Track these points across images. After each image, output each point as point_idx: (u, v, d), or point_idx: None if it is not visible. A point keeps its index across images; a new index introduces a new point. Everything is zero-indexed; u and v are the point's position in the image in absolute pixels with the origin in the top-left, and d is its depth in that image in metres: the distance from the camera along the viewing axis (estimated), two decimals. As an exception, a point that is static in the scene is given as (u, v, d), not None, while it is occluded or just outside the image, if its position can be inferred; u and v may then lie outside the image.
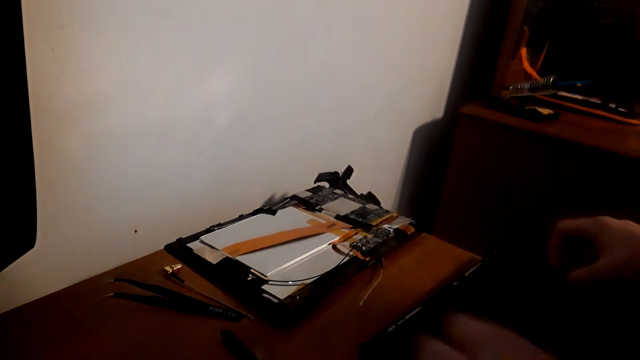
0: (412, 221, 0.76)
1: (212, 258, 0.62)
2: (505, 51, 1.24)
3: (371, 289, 0.62)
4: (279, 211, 0.75)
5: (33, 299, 0.55)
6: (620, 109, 1.23)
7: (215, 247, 0.64)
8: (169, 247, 0.65)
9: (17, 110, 0.42)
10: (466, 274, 0.63)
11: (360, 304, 0.59)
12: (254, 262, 0.61)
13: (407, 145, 1.31)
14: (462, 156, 1.27)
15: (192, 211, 0.74)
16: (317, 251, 0.65)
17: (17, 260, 0.46)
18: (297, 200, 0.80)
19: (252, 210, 0.76)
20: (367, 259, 0.64)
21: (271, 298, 0.55)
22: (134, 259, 0.64)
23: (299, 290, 0.57)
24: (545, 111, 1.18)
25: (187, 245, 0.64)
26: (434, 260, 0.70)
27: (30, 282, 0.58)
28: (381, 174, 1.26)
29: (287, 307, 0.53)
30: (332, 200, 0.82)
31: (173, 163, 0.70)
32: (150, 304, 0.55)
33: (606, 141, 1.09)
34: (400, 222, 0.75)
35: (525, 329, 0.40)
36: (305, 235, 0.68)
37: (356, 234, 0.70)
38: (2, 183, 0.42)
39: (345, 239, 0.69)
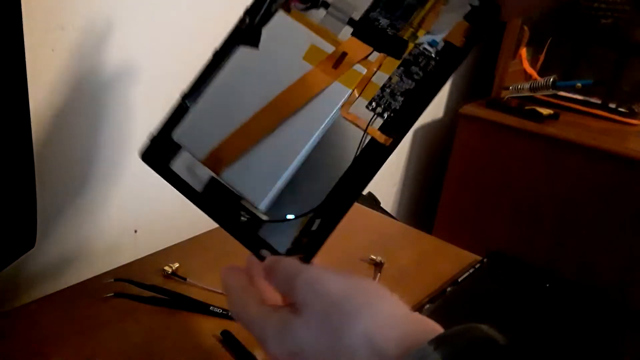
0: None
1: (195, 181, 0.44)
2: (505, 51, 1.23)
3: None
4: (265, 31, 0.42)
5: (33, 299, 0.55)
6: (620, 109, 1.23)
7: (195, 155, 0.42)
8: (146, 157, 0.45)
9: (17, 110, 0.42)
10: (460, 280, 0.63)
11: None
12: (243, 177, 0.42)
13: (407, 145, 1.31)
14: (462, 156, 1.27)
15: (193, 211, 0.74)
16: (319, 138, 0.40)
17: (17, 260, 0.46)
18: None
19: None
20: (387, 140, 0.39)
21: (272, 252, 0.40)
22: (134, 259, 0.64)
23: (304, 228, 0.39)
24: (545, 111, 1.18)
25: (165, 154, 0.44)
26: (434, 261, 0.70)
27: (30, 282, 0.58)
28: (381, 174, 1.26)
29: None
30: None
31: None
32: (150, 304, 0.55)
33: (606, 141, 1.09)
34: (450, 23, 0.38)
35: (517, 333, 0.40)
36: (303, 101, 0.40)
37: (379, 68, 0.39)
38: (2, 183, 0.42)
39: (360, 90, 0.39)
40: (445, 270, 0.67)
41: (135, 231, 0.68)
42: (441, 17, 0.37)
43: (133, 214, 0.67)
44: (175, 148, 0.42)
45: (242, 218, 0.41)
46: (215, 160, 0.42)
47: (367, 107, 0.38)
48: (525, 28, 1.26)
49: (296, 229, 0.38)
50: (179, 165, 0.42)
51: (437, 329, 0.29)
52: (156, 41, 0.62)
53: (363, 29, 0.38)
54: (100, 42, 0.57)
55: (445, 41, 0.37)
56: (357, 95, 0.39)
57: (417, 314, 0.30)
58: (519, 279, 0.65)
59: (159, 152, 0.43)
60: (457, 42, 0.36)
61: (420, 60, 0.37)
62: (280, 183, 0.40)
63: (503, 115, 1.19)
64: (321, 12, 0.40)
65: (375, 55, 0.38)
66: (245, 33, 0.42)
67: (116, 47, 0.59)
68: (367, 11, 0.39)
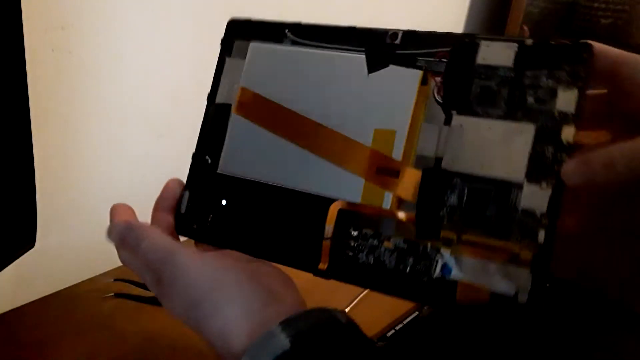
0: None
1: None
2: (505, 51, 1.23)
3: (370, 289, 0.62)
4: (385, 71, 0.35)
5: (33, 299, 0.55)
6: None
7: (258, 176, 0.38)
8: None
9: (17, 110, 0.42)
10: None
11: (350, 307, 0.59)
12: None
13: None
14: (462, 156, 1.27)
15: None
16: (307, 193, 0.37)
17: (17, 260, 0.46)
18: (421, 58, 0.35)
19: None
20: (324, 265, 0.36)
21: None
22: (134, 259, 0.64)
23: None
24: (545, 111, 1.18)
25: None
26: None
27: (30, 282, 0.58)
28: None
29: None
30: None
31: (173, 163, 0.70)
32: (150, 303, 0.55)
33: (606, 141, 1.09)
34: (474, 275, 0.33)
35: (515, 334, 0.40)
36: (334, 158, 0.36)
37: (396, 219, 0.33)
38: (2, 183, 0.42)
39: (365, 209, 0.35)
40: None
41: (135, 231, 0.68)
42: (481, 262, 0.31)
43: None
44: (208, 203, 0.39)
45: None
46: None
47: (350, 228, 0.34)
48: (525, 28, 1.26)
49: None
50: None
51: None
52: (157, 41, 0.62)
53: (431, 180, 0.32)
54: (100, 42, 0.57)
55: (451, 282, 0.31)
56: (357, 209, 0.34)
57: (277, 305, 0.32)
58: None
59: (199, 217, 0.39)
60: (460, 294, 0.31)
61: (422, 261, 0.32)
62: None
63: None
64: (439, 119, 0.33)
65: (409, 208, 0.33)
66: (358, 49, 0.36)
67: (116, 47, 0.59)
68: (449, 175, 0.32)
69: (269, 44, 0.39)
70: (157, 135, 0.66)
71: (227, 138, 0.39)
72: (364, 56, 0.35)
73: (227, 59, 0.40)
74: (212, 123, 0.40)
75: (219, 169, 0.39)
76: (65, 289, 0.57)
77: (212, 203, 0.39)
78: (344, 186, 0.35)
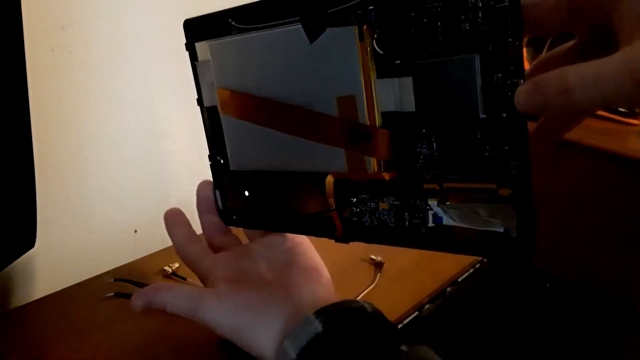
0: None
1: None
2: (505, 51, 1.23)
3: (370, 289, 0.62)
4: (324, 36, 0.33)
5: (33, 299, 0.55)
6: (620, 109, 1.23)
7: (266, 166, 0.41)
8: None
9: (17, 110, 0.42)
10: (460, 280, 0.63)
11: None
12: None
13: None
14: (462, 156, 1.27)
15: (192, 211, 0.74)
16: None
17: (17, 260, 0.46)
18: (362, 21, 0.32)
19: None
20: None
21: None
22: (134, 259, 0.64)
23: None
24: (545, 111, 1.18)
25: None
26: (434, 261, 0.70)
27: (30, 282, 0.58)
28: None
29: None
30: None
31: (173, 163, 0.70)
32: (150, 304, 0.55)
33: (606, 141, 1.09)
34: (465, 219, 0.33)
35: (515, 334, 0.41)
36: (307, 135, 0.37)
37: (383, 179, 0.35)
38: (2, 183, 0.42)
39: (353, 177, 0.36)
40: (445, 270, 0.67)
41: (135, 231, 0.68)
42: (466, 207, 0.31)
43: (133, 214, 0.67)
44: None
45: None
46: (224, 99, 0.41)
47: (348, 196, 0.37)
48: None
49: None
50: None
51: None
52: (157, 41, 0.62)
53: (398, 137, 0.32)
54: (100, 42, 0.57)
55: (446, 227, 0.32)
56: (348, 177, 0.35)
57: (300, 309, 0.37)
58: (519, 279, 0.65)
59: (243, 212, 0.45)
60: (458, 235, 0.32)
61: (415, 214, 0.33)
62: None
63: (503, 115, 1.19)
64: (388, 71, 0.31)
65: (390, 167, 0.34)
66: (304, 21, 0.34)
67: (116, 47, 0.59)
68: (413, 127, 0.32)
69: (222, 39, 0.39)
70: (158, 135, 0.66)
71: (225, 138, 0.42)
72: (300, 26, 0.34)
73: (196, 63, 0.41)
74: (210, 126, 0.43)
75: (231, 167, 0.43)
76: (65, 289, 0.57)
77: (239, 196, 0.44)
78: (329, 160, 0.36)
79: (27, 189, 0.46)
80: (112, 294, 0.55)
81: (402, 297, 0.60)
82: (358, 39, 0.32)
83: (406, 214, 0.34)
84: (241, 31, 0.37)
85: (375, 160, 0.34)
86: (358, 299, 0.61)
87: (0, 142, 0.41)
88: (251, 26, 0.36)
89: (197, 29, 0.40)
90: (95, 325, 0.52)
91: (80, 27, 0.54)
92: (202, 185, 0.46)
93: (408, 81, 0.30)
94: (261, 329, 0.36)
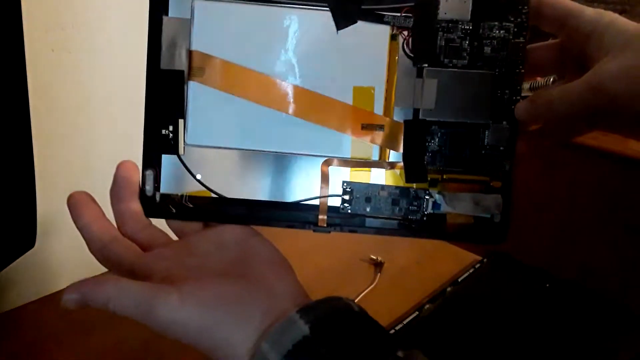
0: None
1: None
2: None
3: (370, 289, 0.62)
4: (352, 27, 0.35)
5: (33, 299, 0.55)
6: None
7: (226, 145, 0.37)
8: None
9: (17, 110, 0.42)
10: (460, 280, 0.63)
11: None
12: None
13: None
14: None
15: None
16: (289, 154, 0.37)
17: (17, 260, 0.46)
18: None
19: None
20: (322, 221, 0.37)
21: None
22: (134, 259, 0.64)
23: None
24: (545, 111, 1.18)
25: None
26: (434, 261, 0.70)
27: (30, 282, 0.58)
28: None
29: None
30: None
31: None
32: (150, 304, 0.55)
33: (606, 141, 1.10)
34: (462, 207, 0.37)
35: (515, 334, 0.41)
36: (317, 118, 0.36)
37: (386, 168, 0.37)
38: (3, 183, 0.42)
39: (355, 165, 0.37)
40: (445, 270, 0.67)
41: (135, 231, 0.68)
42: (463, 195, 0.36)
43: (133, 214, 0.67)
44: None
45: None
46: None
47: (343, 183, 0.36)
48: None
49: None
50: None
51: None
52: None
53: (413, 130, 0.36)
54: (100, 42, 0.57)
55: (439, 215, 0.36)
56: (349, 165, 0.36)
57: (275, 305, 0.32)
58: (519, 279, 0.65)
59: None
60: (450, 222, 0.37)
61: (414, 203, 0.37)
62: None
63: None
64: (411, 72, 0.35)
65: (396, 157, 0.36)
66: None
67: (116, 47, 0.59)
68: (428, 123, 0.36)
69: (217, 0, 0.35)
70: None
71: (189, 108, 0.36)
72: (329, 13, 0.35)
73: (165, 18, 0.36)
74: (162, 93, 0.37)
75: (187, 142, 0.36)
76: (65, 288, 0.57)
77: (184, 179, 0.36)
78: (332, 144, 0.36)
79: (27, 189, 0.46)
80: (112, 294, 0.55)
81: (402, 297, 0.60)
82: (390, 38, 0.35)
83: (404, 201, 0.36)
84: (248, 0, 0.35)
85: (382, 148, 0.36)
86: (358, 299, 0.61)
87: (0, 142, 0.41)
88: None
89: None
90: (95, 325, 0.52)
91: (80, 27, 0.54)
92: (126, 166, 0.38)
93: (433, 83, 0.35)
94: (232, 328, 0.30)
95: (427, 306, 0.58)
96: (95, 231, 0.36)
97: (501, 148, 0.35)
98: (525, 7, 0.34)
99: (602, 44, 0.31)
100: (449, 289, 0.62)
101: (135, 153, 0.67)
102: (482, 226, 0.36)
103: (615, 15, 0.33)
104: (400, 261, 0.69)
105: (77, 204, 0.36)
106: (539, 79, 0.39)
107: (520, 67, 0.35)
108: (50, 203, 0.57)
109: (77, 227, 0.36)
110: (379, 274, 0.65)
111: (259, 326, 0.30)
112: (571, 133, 0.39)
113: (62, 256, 0.61)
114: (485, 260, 0.68)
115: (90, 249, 0.36)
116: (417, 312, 0.57)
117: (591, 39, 0.32)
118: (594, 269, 1.10)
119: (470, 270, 0.65)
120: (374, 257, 0.67)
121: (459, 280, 0.63)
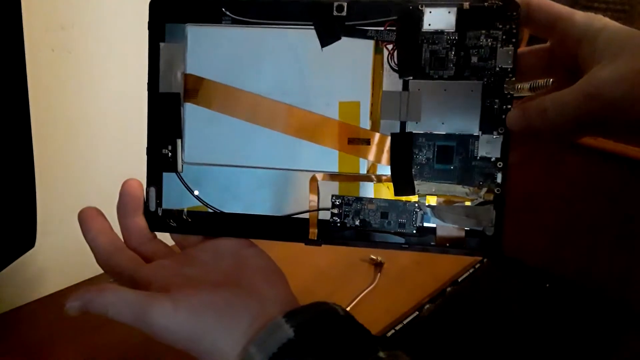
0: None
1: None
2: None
3: (370, 289, 0.62)
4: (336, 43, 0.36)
5: (33, 299, 0.55)
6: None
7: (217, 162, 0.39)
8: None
9: (17, 110, 0.42)
10: (460, 280, 0.63)
11: (350, 307, 0.59)
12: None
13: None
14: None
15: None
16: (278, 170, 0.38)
17: (17, 260, 0.46)
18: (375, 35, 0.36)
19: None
20: (313, 234, 0.37)
21: None
22: (134, 259, 0.64)
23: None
24: (545, 111, 1.18)
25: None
26: (434, 261, 0.70)
27: (30, 282, 0.58)
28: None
29: None
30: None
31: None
32: (150, 304, 0.55)
33: (606, 141, 1.09)
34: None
35: (515, 334, 0.41)
36: (302, 134, 0.37)
37: (374, 182, 0.37)
38: (3, 183, 0.42)
39: (343, 180, 0.37)
40: (445, 270, 0.67)
41: (135, 231, 0.68)
42: (454, 207, 0.35)
43: (133, 214, 0.67)
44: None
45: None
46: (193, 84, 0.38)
47: (332, 197, 0.37)
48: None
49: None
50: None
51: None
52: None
53: (400, 143, 0.36)
54: (100, 42, 0.57)
55: (429, 228, 0.36)
56: (337, 179, 0.37)
57: (265, 311, 0.32)
58: (519, 279, 0.65)
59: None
60: (440, 237, 0.36)
61: (404, 216, 0.36)
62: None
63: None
64: (397, 84, 0.35)
65: (384, 170, 0.36)
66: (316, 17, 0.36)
67: (116, 47, 0.59)
68: (414, 136, 0.35)
69: (207, 25, 0.38)
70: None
71: (185, 128, 0.38)
72: (313, 30, 0.36)
73: (162, 45, 0.39)
74: (161, 114, 0.40)
75: (184, 160, 0.39)
76: (65, 289, 0.57)
77: (184, 195, 0.39)
78: (320, 159, 0.37)
79: (27, 189, 0.46)
80: (112, 294, 0.55)
81: (402, 297, 0.60)
82: (374, 52, 0.35)
83: (394, 214, 0.36)
84: (236, 22, 0.37)
85: (369, 162, 0.36)
86: (358, 299, 0.61)
87: (0, 142, 0.41)
88: (249, 19, 0.37)
89: (171, 10, 0.39)
90: (95, 325, 0.52)
91: (80, 27, 0.54)
92: (131, 184, 0.40)
93: (419, 95, 0.35)
94: (222, 333, 0.31)
95: (427, 306, 0.58)
96: (101, 243, 0.38)
97: (492, 159, 0.34)
98: (515, 13, 0.33)
99: (595, 50, 0.30)
100: (449, 289, 0.62)
101: (135, 152, 0.67)
102: (474, 239, 0.35)
103: (606, 20, 0.31)
104: (400, 261, 0.69)
105: (87, 218, 0.40)
106: (539, 81, 0.39)
107: (511, 75, 0.34)
108: (50, 203, 0.57)
109: (86, 241, 0.39)
110: (379, 274, 0.65)
111: (247, 331, 0.31)
112: (565, 140, 0.38)
113: (62, 256, 0.61)
114: (485, 260, 0.68)
115: (97, 260, 0.38)
116: (417, 312, 0.57)
117: (583, 44, 0.31)
118: (594, 269, 1.10)
119: (470, 270, 0.66)
120: (374, 257, 0.67)
121: (459, 280, 0.63)
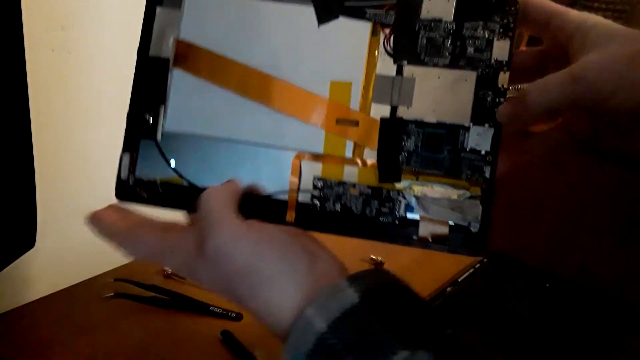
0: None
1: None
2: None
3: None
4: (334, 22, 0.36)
5: (33, 299, 0.55)
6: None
7: (203, 132, 0.37)
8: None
9: (17, 110, 0.42)
10: (460, 280, 0.63)
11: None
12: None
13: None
14: (462, 156, 1.27)
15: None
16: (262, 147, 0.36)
17: (17, 260, 0.46)
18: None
19: None
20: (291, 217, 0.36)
21: None
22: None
23: None
24: (545, 111, 1.18)
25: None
26: (434, 261, 0.70)
27: (30, 282, 0.58)
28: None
29: None
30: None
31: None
32: (150, 304, 0.55)
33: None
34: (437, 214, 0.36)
35: (515, 334, 0.41)
36: (290, 110, 0.36)
37: (358, 166, 0.36)
38: (3, 183, 0.42)
39: (328, 161, 0.36)
40: (445, 270, 0.67)
41: (135, 231, 0.68)
42: (440, 200, 0.34)
43: (133, 214, 0.67)
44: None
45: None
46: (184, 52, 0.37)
47: (314, 179, 0.35)
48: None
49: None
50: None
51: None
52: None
53: (389, 128, 0.35)
54: (100, 42, 0.57)
55: (412, 220, 0.34)
56: (321, 161, 0.35)
57: (321, 267, 0.31)
58: (519, 279, 0.65)
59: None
60: (420, 237, 0.34)
61: (386, 203, 0.35)
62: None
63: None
64: (391, 69, 0.35)
65: (370, 155, 0.35)
66: None
67: (116, 47, 0.59)
68: (404, 122, 0.35)
69: None
70: (157, 135, 0.66)
71: (170, 94, 0.37)
72: (312, 7, 0.36)
73: (158, 9, 0.38)
74: (147, 79, 0.37)
75: (165, 128, 0.37)
76: (65, 289, 0.57)
77: (160, 164, 0.37)
78: (305, 138, 0.36)
79: (27, 189, 0.46)
80: (112, 294, 0.55)
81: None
82: (371, 34, 0.35)
83: (376, 202, 0.35)
84: None
85: (356, 145, 0.35)
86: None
87: (0, 142, 0.41)
88: None
89: None
90: (95, 325, 0.52)
91: (80, 27, 0.54)
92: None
93: (412, 81, 0.34)
94: (282, 272, 0.30)
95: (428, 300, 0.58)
96: (119, 224, 0.36)
97: (482, 152, 0.34)
98: (513, 8, 0.33)
99: (586, 42, 0.31)
100: (449, 289, 0.62)
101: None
102: (459, 235, 0.34)
103: (600, 18, 0.32)
104: (400, 261, 0.69)
105: (94, 219, 0.38)
106: (538, 79, 0.39)
107: (505, 68, 0.33)
108: (50, 203, 0.57)
109: (105, 235, 0.37)
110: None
111: (305, 281, 0.30)
112: (547, 122, 0.38)
113: (62, 256, 0.61)
114: (485, 260, 0.68)
115: (121, 244, 0.36)
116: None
117: (575, 38, 0.32)
118: (594, 269, 1.10)
119: (470, 270, 0.66)
120: (374, 257, 0.67)
121: (459, 280, 0.63)
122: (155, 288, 0.56)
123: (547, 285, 0.64)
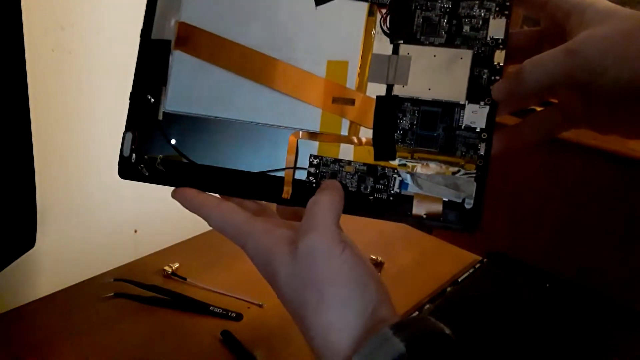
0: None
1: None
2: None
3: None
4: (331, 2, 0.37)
5: (33, 299, 0.55)
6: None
7: (204, 112, 0.38)
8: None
9: (17, 110, 0.42)
10: (460, 280, 0.63)
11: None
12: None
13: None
14: (462, 156, 1.27)
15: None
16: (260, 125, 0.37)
17: (17, 260, 0.46)
18: None
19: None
20: (287, 193, 0.37)
21: None
22: (134, 259, 0.64)
23: None
24: (545, 111, 1.18)
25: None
26: (434, 261, 0.70)
27: (30, 282, 0.58)
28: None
29: None
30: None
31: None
32: (150, 304, 0.55)
33: (606, 141, 1.10)
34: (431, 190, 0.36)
35: (515, 334, 0.40)
36: (286, 89, 0.37)
37: (354, 144, 0.37)
38: (3, 183, 0.42)
39: (324, 139, 0.37)
40: (445, 270, 0.67)
41: (135, 231, 0.68)
42: (434, 177, 0.35)
43: (133, 214, 0.67)
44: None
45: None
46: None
47: (310, 156, 0.36)
48: (526, 28, 1.26)
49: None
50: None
51: None
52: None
53: (385, 106, 0.35)
54: (100, 42, 0.57)
55: (406, 196, 0.35)
56: (317, 139, 0.36)
57: (385, 308, 0.31)
58: (519, 279, 0.65)
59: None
60: (414, 214, 0.35)
61: (381, 180, 0.35)
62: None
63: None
64: (387, 48, 0.35)
65: (366, 134, 0.36)
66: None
67: (116, 46, 0.59)
68: (400, 100, 0.35)
69: None
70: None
71: (171, 75, 0.38)
72: None
73: None
74: (149, 60, 0.39)
75: (165, 108, 0.38)
76: (65, 289, 0.57)
77: (161, 143, 0.38)
78: (302, 116, 0.36)
79: (27, 189, 0.46)
80: (112, 294, 0.55)
81: (402, 297, 0.60)
82: (367, 14, 0.36)
83: (371, 179, 0.35)
84: None
85: (352, 123, 0.36)
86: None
87: (0, 141, 0.41)
88: None
89: None
90: (95, 325, 0.52)
91: (80, 27, 0.54)
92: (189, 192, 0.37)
93: (408, 59, 0.35)
94: (348, 311, 0.30)
95: (427, 306, 0.58)
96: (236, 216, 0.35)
97: (477, 130, 0.34)
98: None
99: (583, 20, 0.31)
100: (449, 289, 0.62)
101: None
102: (452, 212, 0.34)
103: None
104: (400, 261, 0.69)
105: (179, 193, 0.37)
106: None
107: (502, 46, 0.34)
108: (50, 203, 0.57)
109: (194, 205, 0.37)
110: (378, 273, 0.65)
111: (367, 322, 0.30)
112: (542, 99, 0.38)
113: (62, 256, 0.61)
114: (485, 260, 0.68)
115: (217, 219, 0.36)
116: (417, 312, 0.57)
117: (572, 17, 0.31)
118: (594, 269, 1.10)
119: (470, 270, 0.65)
120: (374, 257, 0.67)
121: (459, 280, 0.63)
122: (155, 288, 0.56)
123: (547, 285, 0.64)
